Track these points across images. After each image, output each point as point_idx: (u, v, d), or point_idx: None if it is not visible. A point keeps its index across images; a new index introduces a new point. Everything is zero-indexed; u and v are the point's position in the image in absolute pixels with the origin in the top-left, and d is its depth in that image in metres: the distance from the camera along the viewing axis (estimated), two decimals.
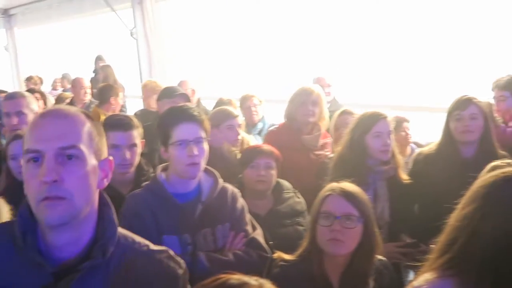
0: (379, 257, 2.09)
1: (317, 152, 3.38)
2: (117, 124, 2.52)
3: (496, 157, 2.48)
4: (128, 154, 2.48)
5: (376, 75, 5.21)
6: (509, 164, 2.00)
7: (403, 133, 3.89)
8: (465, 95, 2.90)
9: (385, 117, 2.80)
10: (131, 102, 6.79)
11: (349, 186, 2.05)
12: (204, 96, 6.04)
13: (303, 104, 3.37)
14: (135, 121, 2.61)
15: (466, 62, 4.54)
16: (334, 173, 2.71)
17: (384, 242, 2.69)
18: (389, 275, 2.07)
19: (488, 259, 1.33)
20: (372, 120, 2.78)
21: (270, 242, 2.45)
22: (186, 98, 4.14)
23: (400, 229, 2.82)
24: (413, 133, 4.03)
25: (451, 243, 1.43)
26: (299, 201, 2.86)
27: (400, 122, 3.90)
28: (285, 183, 2.92)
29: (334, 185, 2.05)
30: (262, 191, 2.81)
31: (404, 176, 2.83)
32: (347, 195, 1.99)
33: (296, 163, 3.20)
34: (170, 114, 2.22)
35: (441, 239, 1.48)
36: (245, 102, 4.88)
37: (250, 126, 4.85)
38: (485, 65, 4.47)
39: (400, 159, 2.87)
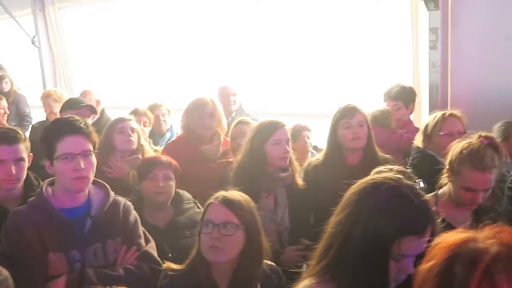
0: (268, 262, 2.13)
1: (218, 161, 3.40)
2: (1, 137, 2.40)
3: (379, 162, 2.62)
4: (14, 169, 2.36)
5: (282, 83, 5.33)
6: (390, 170, 2.12)
7: (303, 142, 4.00)
8: (349, 104, 3.03)
9: (283, 125, 2.87)
10: (36, 113, 6.47)
11: (233, 194, 2.08)
12: (112, 105, 5.90)
13: (199, 117, 3.39)
14: (22, 134, 2.49)
15: (360, 71, 4.77)
16: (235, 181, 2.74)
17: (287, 247, 2.80)
18: (277, 279, 2.11)
19: (360, 262, 1.40)
20: (271, 129, 2.84)
21: (169, 254, 2.43)
22: (92, 109, 4.03)
23: (300, 234, 2.89)
24: (317, 140, 4.15)
25: (328, 249, 1.49)
26: (199, 211, 2.85)
27: (300, 130, 4.02)
28: (185, 194, 2.91)
29: (219, 193, 2.08)
30: (161, 203, 2.78)
31: (300, 182, 2.92)
32: (228, 203, 2.02)
33: (197, 174, 3.20)
34: (54, 127, 2.14)
35: (319, 246, 1.55)
36: (153, 111, 4.82)
37: (158, 136, 4.79)
38: (375, 74, 4.73)
39: (296, 165, 2.96)
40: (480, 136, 2.37)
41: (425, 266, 1.04)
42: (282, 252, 2.72)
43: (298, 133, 3.97)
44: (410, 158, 3.28)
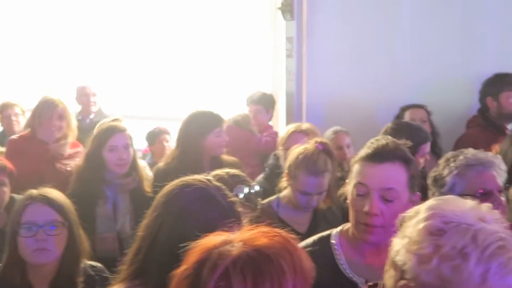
0: (93, 263, 2.09)
1: (65, 162, 3.26)
2: None
3: (222, 164, 2.68)
4: None
5: (145, 86, 5.24)
6: (227, 173, 2.15)
7: (161, 145, 3.97)
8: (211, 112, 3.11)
9: (122, 130, 2.80)
10: None
11: (49, 191, 2.01)
12: None
13: (49, 119, 3.24)
14: None
15: (223, 77, 4.84)
16: (72, 186, 2.67)
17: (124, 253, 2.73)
18: (101, 280, 2.05)
19: (166, 266, 1.38)
20: (107, 134, 2.76)
21: None
22: None
23: None
24: None
25: (137, 253, 1.46)
26: None
27: (158, 134, 3.98)
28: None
29: (33, 192, 2.00)
30: None
31: (148, 189, 2.86)
32: (49, 202, 1.95)
33: (40, 173, 3.08)
34: None
35: (130, 250, 1.51)
36: (5, 110, 4.48)
37: (9, 137, 4.47)
38: (237, 81, 4.83)
39: (142, 170, 2.91)
40: (316, 142, 2.51)
41: (179, 270, 1.05)
42: (120, 260, 2.65)
43: (156, 136, 3.93)
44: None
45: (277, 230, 1.04)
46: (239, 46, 4.76)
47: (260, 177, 3.26)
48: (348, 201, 1.68)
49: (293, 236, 1.12)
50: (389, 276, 1.24)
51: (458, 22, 4.01)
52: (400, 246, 1.19)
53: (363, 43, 4.19)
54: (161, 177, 2.90)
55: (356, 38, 4.20)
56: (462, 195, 2.04)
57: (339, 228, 1.76)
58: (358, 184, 1.62)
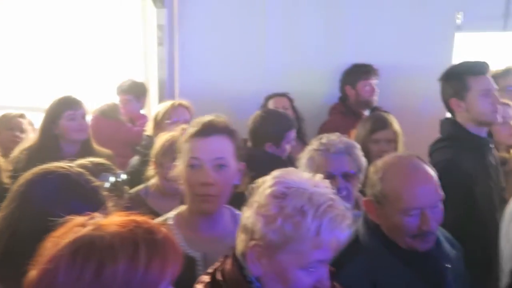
0: None
1: None
2: None
3: (96, 154, 2.65)
4: None
5: (12, 75, 4.86)
6: (91, 162, 2.10)
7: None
8: (72, 96, 3.01)
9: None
10: None
11: None
12: None
13: None
14: None
15: (91, 66, 4.66)
16: None
17: None
18: None
19: (28, 259, 1.33)
20: None
21: None
22: None
23: None
24: None
25: None
26: None
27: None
28: None
29: None
30: None
31: (6, 180, 2.69)
32: None
33: None
34: None
35: None
36: None
37: None
38: (107, 69, 4.68)
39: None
40: (182, 129, 2.53)
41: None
42: None
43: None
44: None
45: (138, 219, 1.05)
46: (109, 34, 4.60)
47: (135, 159, 3.23)
48: (181, 181, 1.80)
49: (156, 225, 1.15)
50: (240, 240, 1.40)
51: (321, 15, 4.25)
52: (250, 212, 1.36)
53: (232, 32, 4.28)
54: (18, 166, 2.78)
55: (226, 27, 4.28)
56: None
57: (175, 211, 1.87)
58: (192, 159, 1.75)
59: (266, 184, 1.38)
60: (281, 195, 1.34)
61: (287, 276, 1.35)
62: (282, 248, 1.33)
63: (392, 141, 3.01)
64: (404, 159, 1.83)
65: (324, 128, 3.76)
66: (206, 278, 1.46)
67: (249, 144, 3.09)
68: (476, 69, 2.70)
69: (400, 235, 1.77)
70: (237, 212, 1.87)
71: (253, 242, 1.36)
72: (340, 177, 2.18)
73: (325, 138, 2.28)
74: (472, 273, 2.07)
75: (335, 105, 4.07)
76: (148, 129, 3.33)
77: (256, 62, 4.29)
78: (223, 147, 1.77)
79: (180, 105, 3.24)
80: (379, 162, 1.84)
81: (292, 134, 3.08)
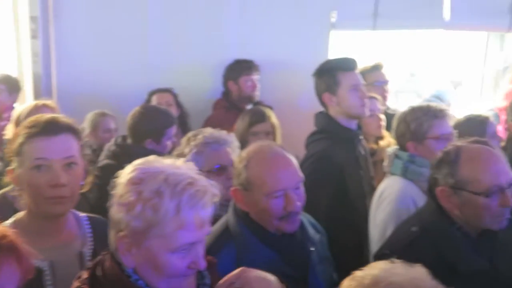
0: None
1: None
2: None
3: None
4: None
5: None
6: None
7: None
8: None
9: None
10: None
11: None
12: None
13: None
14: None
15: None
16: None
17: None
18: None
19: None
20: None
21: None
22: None
23: None
24: None
25: None
26: None
27: None
28: None
29: None
30: None
31: None
32: None
33: None
34: None
35: None
36: None
37: None
38: None
39: None
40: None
41: None
42: None
43: None
44: None
45: None
46: None
47: None
48: (21, 186, 1.68)
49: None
50: (111, 236, 1.38)
51: (204, 11, 4.26)
52: (113, 204, 1.35)
53: (113, 25, 4.15)
54: None
55: (106, 20, 4.14)
56: (202, 171, 2.24)
57: (12, 219, 1.74)
58: (37, 160, 1.64)
59: (124, 173, 1.37)
60: (137, 181, 1.33)
61: (159, 261, 1.34)
62: (147, 234, 1.31)
63: (270, 134, 3.11)
64: (265, 147, 1.91)
65: (208, 123, 3.77)
66: (84, 274, 1.43)
67: (129, 141, 3.03)
68: (345, 65, 2.87)
69: (268, 219, 1.84)
70: (81, 214, 1.83)
71: (120, 234, 1.34)
72: (232, 166, 2.22)
73: (204, 132, 2.30)
74: (345, 257, 2.21)
75: (219, 100, 4.11)
76: (8, 132, 3.10)
77: (139, 57, 4.20)
78: (71, 146, 1.70)
79: (44, 105, 2.98)
80: (243, 152, 1.93)
81: (173, 130, 3.07)
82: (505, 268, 1.90)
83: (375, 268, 1.24)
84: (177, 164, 1.41)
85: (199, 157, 2.25)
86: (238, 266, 1.78)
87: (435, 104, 2.57)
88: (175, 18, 4.23)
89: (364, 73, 3.64)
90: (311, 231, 2.04)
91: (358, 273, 1.24)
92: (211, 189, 1.37)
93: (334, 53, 4.22)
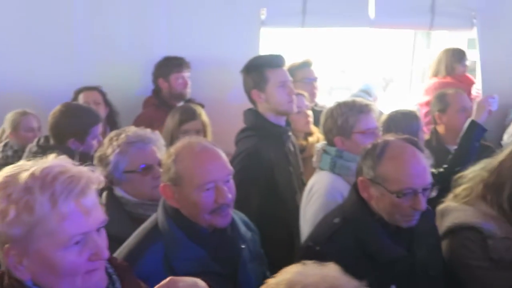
0: None
1: None
2: None
3: None
4: None
5: None
6: None
7: None
8: None
9: None
10: None
11: None
12: None
13: None
14: None
15: None
16: None
17: None
18: None
19: None
20: None
21: None
22: None
23: None
24: None
25: None
26: None
27: None
28: None
29: None
30: None
31: None
32: None
33: None
34: None
35: None
36: None
37: None
38: None
39: None
40: None
41: None
42: None
43: None
44: None
45: None
46: None
47: None
48: None
49: None
50: None
51: (131, 7, 4.17)
52: None
53: (37, 22, 4.00)
54: None
55: (29, 17, 3.98)
56: (126, 172, 2.18)
57: None
58: None
59: None
60: (3, 186, 1.24)
61: (53, 262, 1.25)
62: (31, 237, 1.23)
63: (201, 132, 3.08)
64: (193, 141, 1.90)
65: (138, 121, 3.69)
66: None
67: (52, 141, 2.90)
68: (273, 62, 2.88)
69: (199, 213, 1.82)
70: None
71: (5, 248, 1.24)
72: (158, 165, 2.19)
73: (128, 131, 2.24)
74: (277, 254, 2.21)
75: (149, 98, 4.03)
76: None
77: (64, 53, 4.07)
78: None
79: None
80: (171, 148, 1.90)
81: (99, 128, 2.96)
82: (422, 256, 1.97)
83: (287, 273, 1.23)
84: (45, 160, 1.32)
85: (123, 157, 2.19)
86: (166, 265, 1.78)
87: (360, 99, 2.63)
88: (102, 13, 4.12)
89: (294, 70, 3.69)
90: (242, 228, 2.03)
91: (271, 281, 1.23)
92: (88, 174, 1.30)
93: (265, 50, 4.23)
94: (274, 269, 2.08)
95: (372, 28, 4.31)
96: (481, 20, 4.31)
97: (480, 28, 4.32)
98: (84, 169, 1.30)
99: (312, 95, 3.83)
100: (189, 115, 3.11)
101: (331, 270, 1.22)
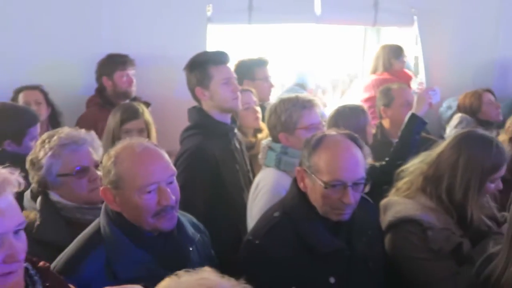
0: None
1: None
2: None
3: None
4: None
5: None
6: None
7: None
8: None
9: None
10: None
11: None
12: None
13: None
14: None
15: None
16: None
17: None
18: None
19: None
20: None
21: None
22: None
23: None
24: None
25: None
26: None
27: None
28: None
29: None
30: None
31: None
32: None
33: None
34: None
35: None
36: None
37: None
38: None
39: None
40: None
41: None
42: None
43: None
44: None
45: None
46: None
47: None
48: None
49: None
50: None
51: (75, 2, 4.04)
52: None
53: None
54: None
55: None
56: (60, 175, 2.09)
57: None
58: None
59: None
60: None
61: None
62: None
63: (144, 131, 3.01)
64: (134, 142, 1.84)
65: (82, 121, 3.60)
66: None
67: None
68: (217, 59, 2.84)
69: (143, 217, 1.77)
70: None
71: None
72: (94, 167, 2.13)
73: (60, 133, 2.15)
74: (227, 254, 2.18)
75: (92, 97, 3.92)
76: None
77: (3, 52, 3.89)
78: None
79: None
80: (111, 150, 1.83)
81: (37, 129, 2.85)
82: (361, 249, 1.99)
83: (160, 286, 1.21)
84: None
85: (56, 160, 2.08)
86: (108, 271, 1.72)
87: (303, 94, 2.63)
88: (42, 9, 3.97)
89: (253, 67, 3.69)
90: (190, 230, 1.98)
91: None
92: (5, 175, 1.27)
93: (213, 47, 4.18)
94: (223, 269, 2.06)
95: (318, 24, 4.33)
96: (421, 16, 4.42)
97: (420, 25, 4.42)
98: (1, 171, 1.25)
99: (268, 92, 3.83)
100: (130, 113, 3.03)
101: (205, 272, 1.21)
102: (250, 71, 3.75)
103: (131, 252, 1.77)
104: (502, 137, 3.01)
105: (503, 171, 2.10)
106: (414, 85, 4.40)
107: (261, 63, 3.85)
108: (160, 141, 3.95)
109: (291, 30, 5.44)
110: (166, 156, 1.86)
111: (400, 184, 2.27)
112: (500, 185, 2.12)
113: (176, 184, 1.86)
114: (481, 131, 2.23)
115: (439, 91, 3.09)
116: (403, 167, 2.30)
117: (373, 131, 3.47)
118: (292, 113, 2.48)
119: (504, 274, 1.79)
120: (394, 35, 4.94)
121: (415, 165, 2.24)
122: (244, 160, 2.99)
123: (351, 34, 5.53)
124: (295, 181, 2.04)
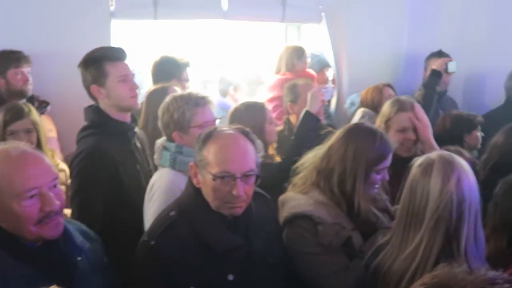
0: None
1: None
2: None
3: None
4: None
5: None
6: None
7: None
8: None
9: None
10: None
11: None
12: None
13: None
14: None
15: None
16: None
17: None
18: None
19: None
20: None
21: None
22: None
23: None
24: None
25: None
26: None
27: None
28: None
29: None
30: None
31: None
32: None
33: None
34: None
35: None
36: None
37: None
38: None
39: None
40: None
41: None
42: None
43: None
44: None
45: None
46: None
47: None
48: None
49: None
50: None
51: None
52: None
53: None
54: None
55: None
56: None
57: None
58: None
59: None
60: None
61: None
62: None
63: (32, 132, 2.86)
64: (9, 146, 1.72)
65: None
66: None
67: None
68: (113, 55, 2.73)
69: (24, 225, 1.65)
70: None
71: None
72: None
73: None
74: (127, 256, 2.08)
75: None
76: None
77: None
78: None
79: None
80: None
81: None
82: (260, 245, 1.98)
83: None
84: None
85: None
86: None
87: (196, 91, 2.57)
88: None
89: (183, 67, 3.61)
90: (79, 239, 1.88)
91: None
92: None
93: (118, 43, 4.02)
94: (125, 273, 1.98)
95: (225, 20, 4.28)
96: (329, 13, 4.48)
97: (328, 21, 4.48)
98: None
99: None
100: (15, 114, 2.86)
101: None
102: (178, 70, 3.67)
103: (11, 267, 1.65)
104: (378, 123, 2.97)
105: (388, 162, 2.16)
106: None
107: (187, 65, 3.77)
108: (61, 142, 3.80)
109: (204, 26, 5.37)
110: (47, 159, 1.75)
111: (296, 179, 2.29)
112: (386, 176, 2.18)
113: (60, 188, 1.76)
114: (367, 123, 2.29)
115: (331, 88, 3.15)
116: (299, 163, 2.32)
117: (279, 128, 3.48)
118: (185, 111, 2.43)
119: (395, 262, 1.84)
120: (314, 32, 4.96)
121: (309, 160, 2.26)
122: (146, 160, 2.90)
123: (273, 31, 5.54)
124: (190, 179, 1.99)
